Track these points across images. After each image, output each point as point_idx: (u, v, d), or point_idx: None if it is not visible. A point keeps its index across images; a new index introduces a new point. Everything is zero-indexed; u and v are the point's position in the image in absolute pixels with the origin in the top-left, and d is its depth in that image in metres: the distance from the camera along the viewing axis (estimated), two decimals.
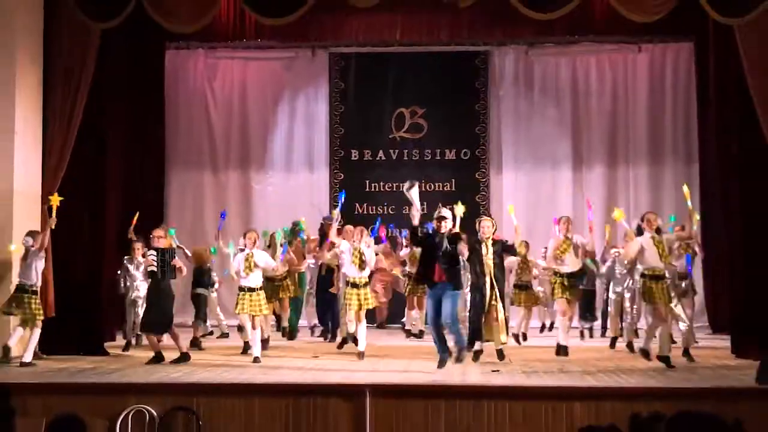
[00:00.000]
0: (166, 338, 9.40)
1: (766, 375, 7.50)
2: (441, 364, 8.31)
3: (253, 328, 9.49)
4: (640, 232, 9.12)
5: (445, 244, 8.23)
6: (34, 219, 9.82)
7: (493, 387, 7.60)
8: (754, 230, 9.82)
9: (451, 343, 8.40)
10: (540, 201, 13.63)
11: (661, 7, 9.67)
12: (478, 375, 8.27)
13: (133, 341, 10.43)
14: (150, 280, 9.38)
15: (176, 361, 9.02)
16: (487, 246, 9.09)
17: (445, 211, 8.52)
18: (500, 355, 9.11)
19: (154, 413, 7.26)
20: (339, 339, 10.57)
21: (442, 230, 8.35)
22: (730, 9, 9.52)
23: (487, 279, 9.03)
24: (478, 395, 7.36)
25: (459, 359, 8.28)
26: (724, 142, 10.54)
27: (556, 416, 7.16)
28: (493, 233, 9.18)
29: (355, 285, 9.49)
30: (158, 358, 9.08)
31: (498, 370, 8.45)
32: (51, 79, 10.01)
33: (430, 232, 8.53)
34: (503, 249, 9.28)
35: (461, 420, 7.24)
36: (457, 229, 8.65)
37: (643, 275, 8.98)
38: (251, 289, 9.46)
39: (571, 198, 13.58)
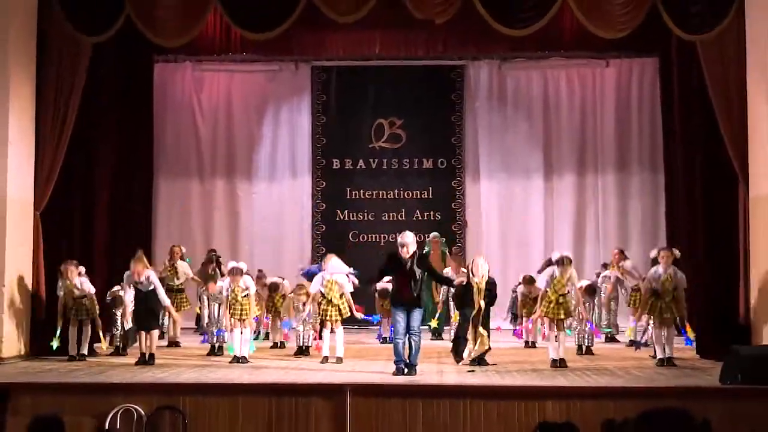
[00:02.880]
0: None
1: (729, 374, 7.79)
2: (398, 372, 8.45)
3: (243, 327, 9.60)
4: (655, 262, 9.57)
5: (414, 268, 8.51)
6: (26, 226, 10.04)
7: (468, 387, 7.83)
8: (717, 238, 10.15)
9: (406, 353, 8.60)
10: (513, 208, 14.03)
11: (628, 24, 10.00)
12: (454, 375, 8.49)
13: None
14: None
15: (139, 362, 9.25)
16: (479, 288, 9.07)
17: (408, 237, 8.69)
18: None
19: (142, 412, 7.39)
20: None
21: (406, 255, 8.59)
22: (692, 27, 9.91)
23: (473, 317, 9.08)
24: (454, 395, 7.58)
25: (411, 372, 8.44)
26: (689, 154, 10.78)
27: (528, 414, 7.36)
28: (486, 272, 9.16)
29: (330, 301, 9.61)
30: (144, 359, 9.32)
31: (473, 371, 8.70)
32: (43, 89, 10.18)
33: (398, 258, 8.69)
34: (490, 289, 9.27)
35: (438, 418, 7.43)
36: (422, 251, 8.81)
37: (651, 292, 9.34)
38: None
39: (542, 205, 13.99)
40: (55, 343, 9.62)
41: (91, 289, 9.85)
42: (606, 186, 13.94)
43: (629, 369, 8.88)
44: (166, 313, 10.57)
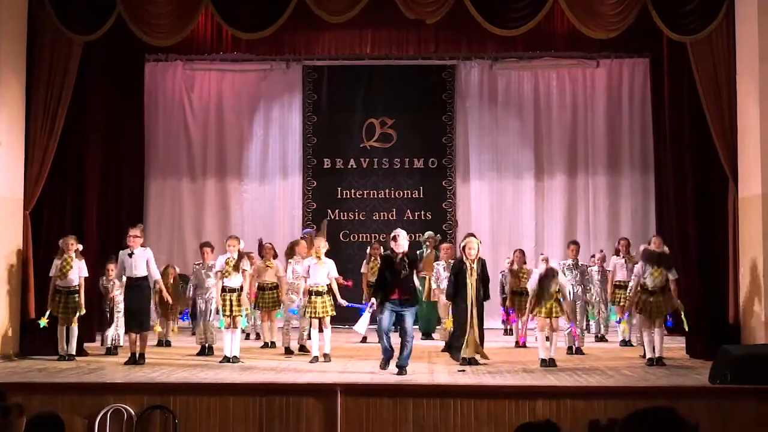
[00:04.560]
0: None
1: (719, 374, 7.83)
2: (385, 363, 8.53)
3: (234, 327, 9.55)
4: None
5: (404, 269, 8.50)
6: (16, 226, 10.01)
7: (459, 386, 7.84)
8: (707, 238, 10.19)
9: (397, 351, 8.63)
10: (504, 208, 14.08)
11: (619, 25, 10.08)
12: (445, 375, 8.50)
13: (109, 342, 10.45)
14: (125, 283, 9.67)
15: (128, 362, 9.18)
16: (471, 268, 9.05)
17: (401, 233, 8.64)
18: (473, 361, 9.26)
19: (132, 412, 7.40)
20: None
21: (398, 250, 8.58)
22: (682, 27, 9.98)
23: (468, 300, 9.05)
24: (444, 394, 7.58)
25: (402, 373, 8.45)
26: (679, 154, 10.80)
27: (519, 414, 7.36)
28: (477, 252, 9.11)
29: (318, 293, 9.58)
30: (134, 359, 9.27)
31: (464, 370, 8.71)
32: (33, 89, 10.15)
33: (389, 253, 8.73)
34: (483, 270, 9.25)
35: (429, 418, 7.44)
36: (407, 250, 8.69)
37: (643, 290, 9.30)
38: (232, 290, 9.59)
39: (533, 205, 14.04)
40: (42, 322, 9.53)
41: (84, 272, 9.73)
42: (596, 186, 14.00)
43: (619, 369, 8.90)
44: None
